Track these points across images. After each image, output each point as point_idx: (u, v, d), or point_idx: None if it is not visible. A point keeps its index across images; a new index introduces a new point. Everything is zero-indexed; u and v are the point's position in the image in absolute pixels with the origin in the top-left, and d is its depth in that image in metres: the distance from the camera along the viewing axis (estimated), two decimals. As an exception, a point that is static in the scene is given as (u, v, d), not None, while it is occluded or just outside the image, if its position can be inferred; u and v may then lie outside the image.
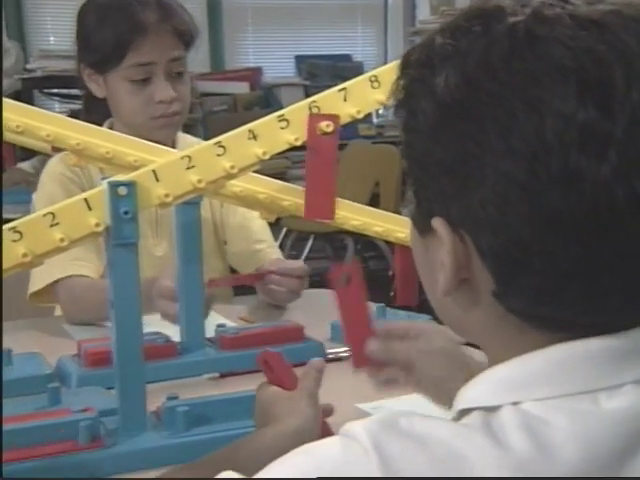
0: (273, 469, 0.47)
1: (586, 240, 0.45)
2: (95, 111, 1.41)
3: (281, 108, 0.95)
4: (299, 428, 0.71)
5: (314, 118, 0.91)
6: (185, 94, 1.41)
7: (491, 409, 0.47)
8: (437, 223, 0.49)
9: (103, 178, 0.85)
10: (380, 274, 3.84)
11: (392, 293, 1.19)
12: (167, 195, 0.85)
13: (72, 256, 1.27)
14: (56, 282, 1.33)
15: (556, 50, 0.45)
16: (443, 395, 0.76)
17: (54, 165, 1.42)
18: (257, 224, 1.48)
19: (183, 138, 1.50)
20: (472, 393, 0.49)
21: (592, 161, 0.44)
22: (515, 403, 0.47)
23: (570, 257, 0.45)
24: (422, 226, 0.52)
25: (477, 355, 0.73)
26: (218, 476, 0.51)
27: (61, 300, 1.35)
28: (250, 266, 1.48)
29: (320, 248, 4.08)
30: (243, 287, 1.59)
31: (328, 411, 0.80)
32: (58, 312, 1.45)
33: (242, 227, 1.49)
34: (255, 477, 0.48)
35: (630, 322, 0.48)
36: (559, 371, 0.47)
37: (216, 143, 0.88)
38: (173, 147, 1.42)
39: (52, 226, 0.81)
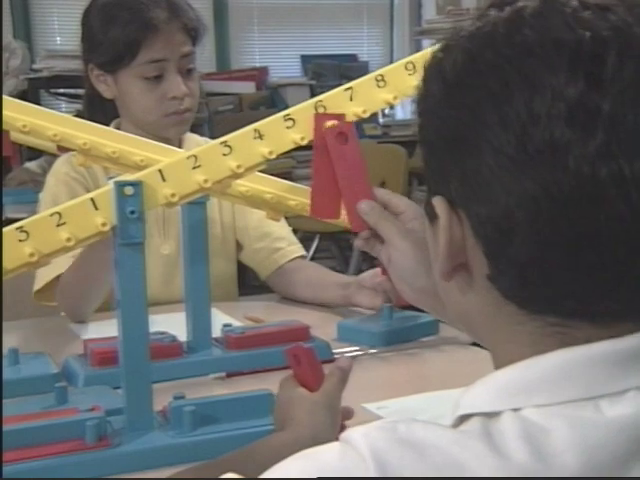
0: (272, 473, 0.47)
1: (569, 216, 0.45)
2: (98, 112, 1.42)
3: (287, 108, 0.95)
4: (316, 437, 0.70)
5: (320, 117, 0.91)
6: (195, 90, 1.42)
7: (491, 415, 0.47)
8: (437, 201, 0.50)
9: (109, 178, 0.85)
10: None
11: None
12: (173, 195, 0.85)
13: (74, 253, 1.27)
14: (57, 279, 1.33)
15: (556, 25, 0.46)
16: (412, 288, 0.82)
17: (60, 166, 1.43)
18: (275, 222, 1.48)
19: (190, 137, 1.51)
20: (471, 399, 0.49)
21: (578, 135, 0.44)
22: (515, 409, 0.46)
23: (554, 233, 0.45)
24: (430, 213, 0.53)
25: None
26: (221, 477, 0.51)
27: (56, 297, 1.35)
28: (271, 264, 1.48)
29: (326, 248, 4.08)
30: (249, 287, 1.59)
31: (348, 414, 0.79)
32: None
33: (260, 226, 1.49)
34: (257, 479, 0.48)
35: (618, 309, 0.47)
36: (560, 377, 0.47)
37: (222, 143, 0.88)
38: (180, 146, 1.42)
39: (59, 226, 0.81)
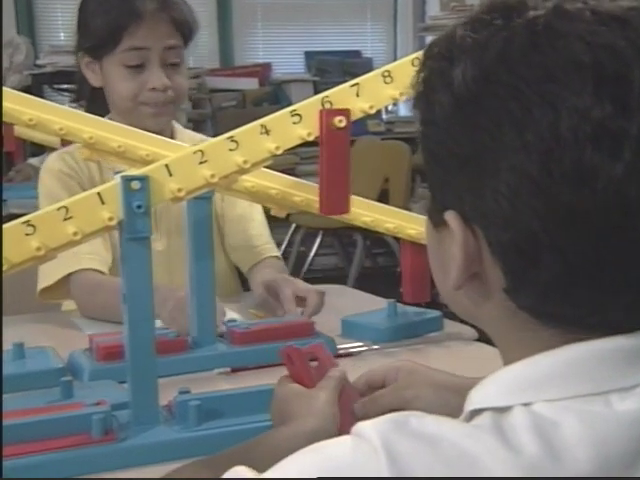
0: (283, 467, 0.47)
1: (596, 237, 0.45)
2: (91, 107, 1.41)
3: (290, 104, 0.95)
4: (316, 428, 0.70)
5: (325, 113, 0.91)
6: (181, 85, 1.40)
7: (502, 410, 0.47)
8: (450, 216, 0.50)
9: (116, 172, 0.85)
10: (389, 270, 3.84)
11: (401, 289, 1.19)
12: (180, 190, 0.85)
13: (81, 250, 1.27)
14: (67, 277, 1.33)
15: (574, 45, 0.45)
16: None
17: (52, 163, 1.42)
18: (256, 219, 1.48)
19: (182, 132, 1.49)
20: (482, 394, 0.49)
21: (606, 158, 0.43)
22: (526, 404, 0.46)
23: (579, 253, 0.45)
24: (436, 219, 0.52)
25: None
26: (229, 471, 0.51)
27: (74, 295, 1.35)
28: (248, 261, 1.47)
29: (329, 244, 4.08)
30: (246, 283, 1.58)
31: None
32: (65, 307, 1.45)
33: (241, 220, 1.48)
34: (265, 474, 0.48)
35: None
36: (570, 372, 0.47)
37: (228, 138, 0.88)
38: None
39: (65, 220, 0.81)
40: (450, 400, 0.73)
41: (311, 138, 0.91)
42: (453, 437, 0.45)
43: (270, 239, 1.51)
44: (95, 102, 1.44)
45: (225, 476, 0.50)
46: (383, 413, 0.57)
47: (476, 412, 0.48)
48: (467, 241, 0.49)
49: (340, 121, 0.90)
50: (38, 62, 3.61)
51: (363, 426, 0.47)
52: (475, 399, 0.49)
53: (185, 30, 1.39)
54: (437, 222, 0.52)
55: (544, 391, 0.47)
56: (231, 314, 1.25)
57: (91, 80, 1.41)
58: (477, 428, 0.46)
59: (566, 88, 0.44)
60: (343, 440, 0.47)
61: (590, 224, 0.44)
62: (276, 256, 1.49)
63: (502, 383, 0.49)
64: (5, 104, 0.98)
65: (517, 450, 0.44)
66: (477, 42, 0.48)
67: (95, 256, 1.34)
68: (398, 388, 0.79)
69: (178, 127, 1.50)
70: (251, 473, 0.49)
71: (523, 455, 0.44)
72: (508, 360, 0.50)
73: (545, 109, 0.44)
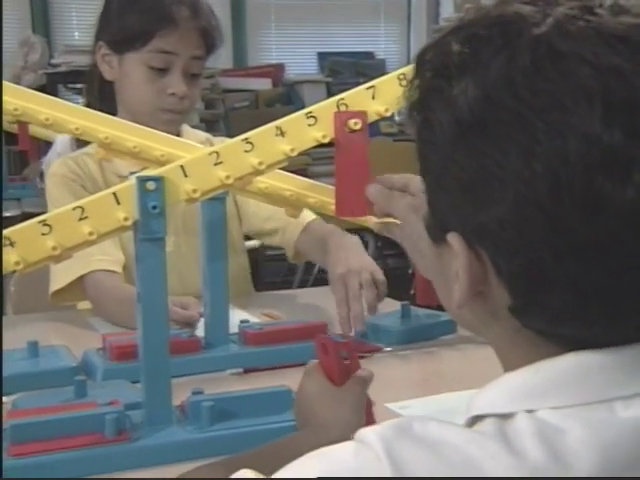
0: (287, 470, 0.48)
1: (608, 265, 0.44)
2: (97, 103, 1.41)
3: (303, 105, 0.95)
4: (341, 440, 0.70)
5: (340, 115, 0.91)
6: (195, 96, 1.42)
7: (505, 416, 0.46)
8: (453, 239, 0.48)
9: (131, 173, 0.85)
10: (400, 272, 3.83)
11: (412, 291, 1.19)
12: (195, 191, 0.85)
13: (91, 252, 1.27)
14: (79, 279, 1.33)
15: (580, 69, 0.44)
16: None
17: (56, 169, 1.42)
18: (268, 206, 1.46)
19: (188, 131, 1.50)
20: (485, 399, 0.49)
21: (617, 185, 0.43)
22: (530, 411, 0.46)
23: (591, 281, 0.44)
24: (435, 235, 0.52)
25: None
26: (235, 474, 0.51)
27: (89, 296, 1.36)
28: (290, 238, 1.44)
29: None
30: (265, 283, 1.59)
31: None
32: (80, 305, 1.45)
33: (266, 210, 1.44)
34: (271, 477, 0.48)
35: None
36: (574, 380, 0.46)
37: (244, 139, 0.89)
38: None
39: (81, 220, 0.81)
40: None
41: (326, 140, 0.91)
42: (456, 442, 0.45)
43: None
44: (103, 99, 1.44)
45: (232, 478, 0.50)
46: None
47: (478, 418, 0.48)
48: (471, 263, 0.48)
49: (355, 123, 0.90)
50: (53, 61, 3.63)
51: (365, 432, 0.46)
52: (477, 405, 0.49)
53: (210, 42, 1.41)
54: (436, 238, 0.52)
55: (548, 398, 0.46)
56: (243, 315, 1.26)
57: (105, 73, 1.41)
58: (480, 434, 0.46)
59: (574, 115, 0.43)
60: (346, 446, 0.47)
61: (602, 252, 0.44)
62: (316, 219, 1.44)
63: (505, 390, 0.48)
64: (22, 103, 0.99)
65: (521, 456, 0.44)
66: (477, 61, 0.46)
67: (106, 257, 1.34)
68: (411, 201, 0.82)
69: (184, 127, 1.50)
70: (255, 475, 0.49)
71: (527, 460, 0.44)
72: (508, 367, 0.50)
73: (553, 136, 0.43)
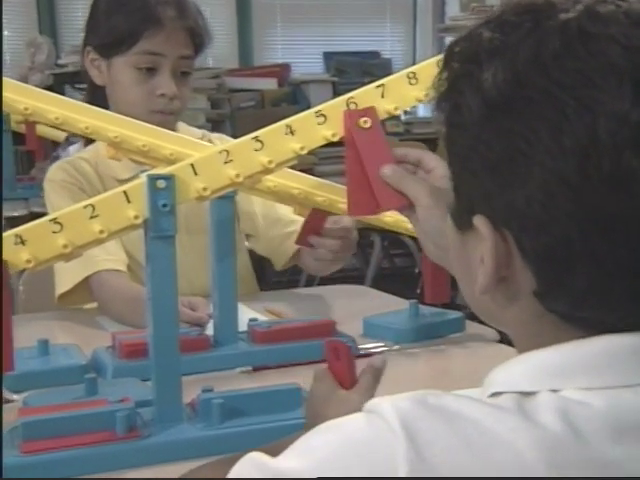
0: (296, 448, 0.47)
1: (634, 242, 0.44)
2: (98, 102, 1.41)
3: (309, 105, 0.96)
4: None
5: (351, 113, 0.91)
6: (185, 95, 1.41)
7: (527, 394, 0.47)
8: (479, 221, 0.49)
9: (142, 171, 0.86)
10: (407, 271, 3.83)
11: (419, 290, 1.19)
12: (205, 189, 0.85)
13: (96, 252, 1.27)
14: (84, 281, 1.33)
15: (610, 49, 0.45)
16: (437, 246, 0.83)
17: (54, 174, 1.42)
18: (281, 206, 1.43)
19: (184, 128, 1.48)
20: (508, 376, 0.49)
21: None
22: (554, 390, 0.46)
23: (616, 259, 0.45)
24: (460, 222, 0.52)
25: None
26: (243, 458, 0.50)
27: (96, 297, 1.36)
28: (285, 250, 1.45)
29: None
30: (269, 282, 1.59)
31: None
32: (89, 304, 1.46)
33: (269, 214, 1.47)
34: (279, 458, 0.48)
35: None
36: (602, 363, 0.47)
37: (254, 138, 0.89)
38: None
39: (92, 218, 0.81)
40: None
41: (336, 139, 0.91)
42: (473, 414, 0.45)
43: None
44: (95, 104, 1.44)
45: (240, 463, 0.50)
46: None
47: (497, 394, 0.48)
48: (497, 246, 0.48)
49: (365, 122, 0.90)
50: (60, 62, 3.64)
51: (378, 402, 0.46)
52: (498, 379, 0.49)
53: (198, 41, 1.40)
54: (461, 225, 0.52)
55: (575, 379, 0.46)
56: (252, 313, 1.26)
57: (95, 78, 1.41)
58: (498, 408, 0.46)
59: (603, 92, 0.44)
60: (355, 417, 0.47)
61: (627, 229, 0.44)
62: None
63: (531, 367, 0.48)
64: (32, 102, 0.99)
65: (541, 426, 0.44)
66: (507, 45, 0.47)
67: (111, 256, 1.34)
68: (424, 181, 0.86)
69: (180, 125, 1.48)
70: (266, 459, 0.49)
71: (547, 431, 0.44)
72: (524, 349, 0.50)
73: (582, 114, 0.44)
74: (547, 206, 0.45)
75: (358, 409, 0.72)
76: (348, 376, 0.76)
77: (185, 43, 1.37)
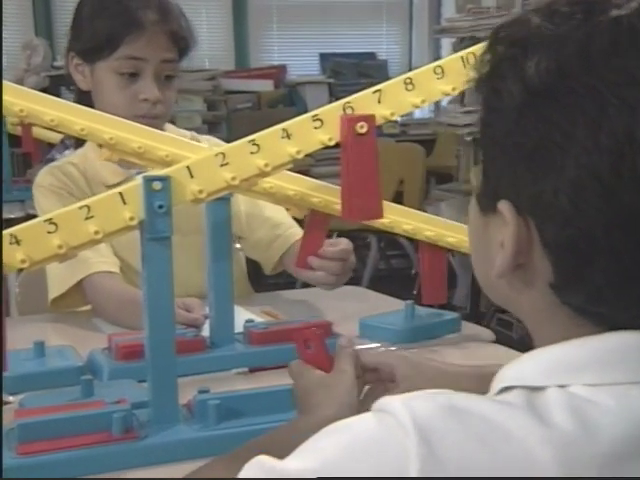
0: (304, 450, 0.47)
1: None
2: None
3: (305, 106, 0.96)
4: (337, 416, 0.71)
5: (347, 119, 0.91)
6: (170, 100, 1.40)
7: (536, 389, 0.47)
8: (504, 206, 0.50)
9: (138, 173, 0.86)
10: (403, 272, 3.84)
11: (415, 292, 1.19)
12: (201, 191, 0.85)
13: (88, 255, 1.27)
14: (77, 285, 1.33)
15: None
16: None
17: (42, 179, 1.42)
18: (270, 207, 1.43)
19: (171, 129, 1.46)
20: (518, 371, 0.49)
21: None
22: (562, 386, 0.47)
23: (636, 258, 0.45)
24: (485, 204, 0.53)
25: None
26: (251, 461, 0.50)
27: (89, 299, 1.35)
28: (273, 254, 1.45)
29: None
30: (265, 284, 1.58)
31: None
32: (81, 308, 1.45)
33: (255, 214, 1.46)
34: (288, 459, 0.48)
35: None
36: (611, 359, 0.47)
37: (250, 141, 0.89)
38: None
39: (87, 219, 0.82)
40: (466, 387, 0.74)
41: (332, 143, 0.91)
42: (484, 411, 0.45)
43: (291, 222, 1.46)
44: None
45: (247, 467, 0.50)
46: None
47: (506, 389, 0.48)
48: (519, 232, 0.49)
49: (362, 127, 0.90)
50: (55, 64, 3.64)
51: (389, 402, 0.46)
52: (508, 375, 0.49)
53: (182, 45, 1.39)
54: (485, 207, 0.52)
55: (582, 375, 0.47)
56: (248, 314, 1.26)
57: (79, 83, 1.41)
58: (508, 404, 0.46)
59: None
60: (364, 417, 0.47)
61: None
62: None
63: (540, 363, 0.49)
64: (27, 104, 0.99)
65: (550, 425, 0.44)
66: (556, 34, 0.47)
67: (103, 259, 1.34)
68: (409, 379, 0.77)
69: (168, 127, 1.47)
70: (274, 462, 0.49)
71: (557, 430, 0.44)
72: (541, 345, 0.50)
73: (622, 112, 0.45)
74: (575, 200, 0.46)
75: (343, 393, 0.72)
76: (324, 360, 0.77)
77: (167, 47, 1.36)
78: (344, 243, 1.23)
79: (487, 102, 0.51)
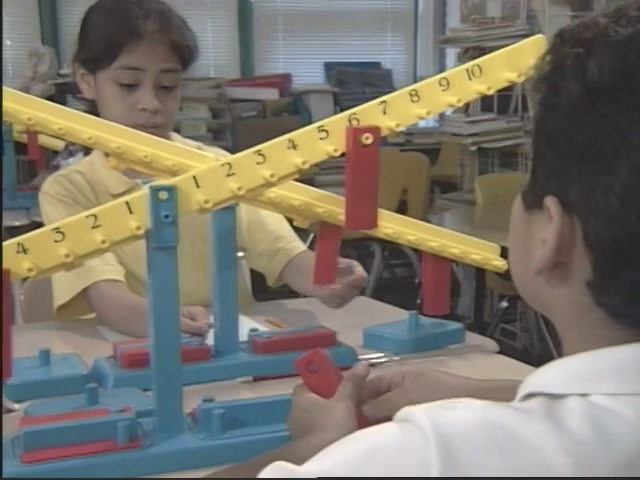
0: (323, 456, 0.48)
1: None
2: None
3: (310, 115, 0.96)
4: (337, 439, 0.71)
5: (353, 130, 0.91)
6: (171, 109, 1.40)
7: (556, 397, 0.47)
8: (551, 202, 0.50)
9: (144, 182, 0.86)
10: (407, 282, 3.84)
11: (418, 301, 1.20)
12: (207, 201, 0.86)
13: (94, 263, 1.28)
14: (83, 293, 1.33)
15: None
16: None
17: (49, 187, 1.43)
18: (272, 218, 1.45)
19: (176, 138, 1.48)
20: (540, 378, 0.50)
21: None
22: (583, 395, 0.47)
23: None
24: (531, 201, 0.53)
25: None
26: (271, 465, 0.50)
27: (95, 307, 1.36)
28: (275, 266, 1.46)
29: (346, 255, 4.07)
30: (268, 292, 1.58)
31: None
32: (87, 316, 1.45)
33: (257, 225, 1.47)
34: (307, 464, 0.48)
35: None
36: (633, 369, 0.47)
37: (256, 151, 0.89)
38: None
39: (94, 228, 0.82)
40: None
41: (337, 154, 0.92)
42: (502, 419, 0.46)
43: (292, 236, 1.48)
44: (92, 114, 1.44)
45: (267, 469, 0.50)
46: (390, 414, 0.58)
47: (529, 396, 0.49)
48: (563, 229, 0.49)
49: (367, 138, 0.90)
50: (62, 72, 3.65)
51: (411, 410, 0.47)
52: (532, 382, 0.50)
53: (184, 54, 1.39)
54: (531, 204, 0.53)
55: (605, 384, 0.47)
56: (252, 323, 1.26)
57: (85, 92, 1.42)
58: (526, 412, 0.47)
59: None
60: (387, 426, 0.47)
61: None
62: (304, 251, 1.47)
63: (562, 371, 0.49)
64: (35, 113, 0.99)
65: (568, 432, 0.45)
66: (622, 36, 0.48)
67: (108, 267, 1.34)
68: (405, 391, 0.80)
69: (175, 136, 1.48)
70: (294, 465, 0.49)
71: (574, 437, 0.45)
72: (570, 350, 0.51)
73: None
74: (624, 200, 0.46)
75: (342, 416, 0.73)
76: (325, 387, 0.77)
77: (167, 57, 1.36)
78: (360, 270, 1.25)
79: (545, 99, 0.51)
